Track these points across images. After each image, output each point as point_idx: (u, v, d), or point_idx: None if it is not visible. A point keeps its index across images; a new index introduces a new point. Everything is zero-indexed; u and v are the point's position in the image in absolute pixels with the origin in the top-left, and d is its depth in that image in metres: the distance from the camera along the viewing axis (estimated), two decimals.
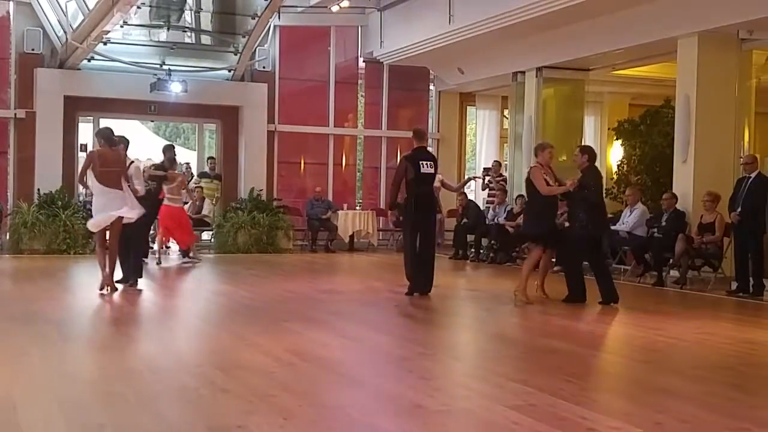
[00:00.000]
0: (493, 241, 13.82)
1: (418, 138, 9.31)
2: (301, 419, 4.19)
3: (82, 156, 14.09)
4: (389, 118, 17.14)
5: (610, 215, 12.99)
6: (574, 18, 11.96)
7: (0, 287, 9.73)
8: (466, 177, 16.42)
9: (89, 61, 14.54)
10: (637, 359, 6.16)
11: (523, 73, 14.45)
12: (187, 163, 17.73)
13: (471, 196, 15.89)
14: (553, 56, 13.57)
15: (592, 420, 4.24)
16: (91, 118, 15.50)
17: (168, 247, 13.40)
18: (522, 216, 8.43)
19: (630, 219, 11.61)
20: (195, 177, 15.66)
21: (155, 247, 12.70)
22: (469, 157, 19.66)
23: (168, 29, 15.31)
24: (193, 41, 16.06)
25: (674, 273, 10.66)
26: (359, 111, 17.83)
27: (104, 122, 15.46)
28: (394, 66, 16.60)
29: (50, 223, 13.50)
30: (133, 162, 9.29)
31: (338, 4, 14.63)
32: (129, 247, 9.22)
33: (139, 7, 13.48)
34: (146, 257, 11.46)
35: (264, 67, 16.00)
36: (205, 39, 16.18)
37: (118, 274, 9.07)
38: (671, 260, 10.54)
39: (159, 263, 12.22)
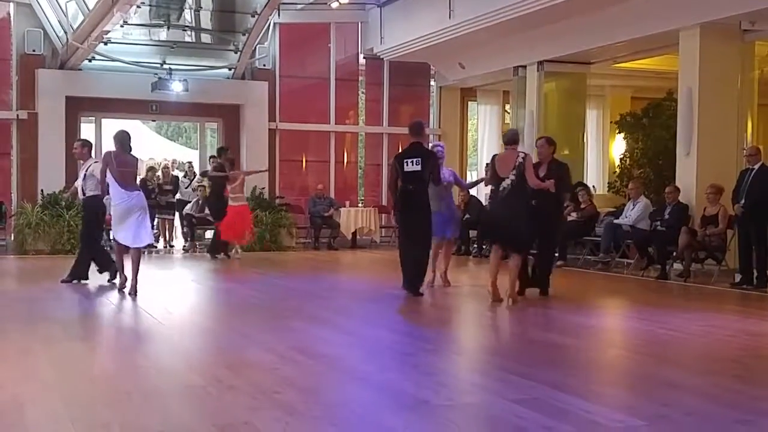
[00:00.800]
0: None
1: (412, 133, 9.00)
2: (306, 415, 4.20)
3: None
4: (390, 114, 17.13)
5: (613, 209, 13.03)
6: (575, 11, 11.95)
7: (5, 287, 9.76)
8: (478, 177, 16.32)
9: (90, 61, 14.57)
10: (640, 352, 6.15)
11: (525, 67, 14.42)
12: (190, 162, 17.78)
13: (473, 192, 15.86)
14: (554, 50, 13.55)
15: (595, 413, 4.24)
16: (93, 118, 15.55)
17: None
18: (504, 201, 7.91)
19: (633, 212, 11.61)
20: (198, 176, 15.68)
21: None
22: (470, 153, 19.63)
23: (168, 28, 15.32)
24: (194, 40, 16.07)
25: (678, 266, 10.65)
26: (360, 108, 17.83)
27: (106, 122, 15.53)
28: (395, 62, 16.57)
29: (54, 223, 13.54)
30: (97, 162, 9.26)
31: (338, 1, 14.62)
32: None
33: (138, 7, 13.48)
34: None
35: (264, 65, 16.01)
36: (206, 37, 16.19)
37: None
38: (675, 253, 10.53)
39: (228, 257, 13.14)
